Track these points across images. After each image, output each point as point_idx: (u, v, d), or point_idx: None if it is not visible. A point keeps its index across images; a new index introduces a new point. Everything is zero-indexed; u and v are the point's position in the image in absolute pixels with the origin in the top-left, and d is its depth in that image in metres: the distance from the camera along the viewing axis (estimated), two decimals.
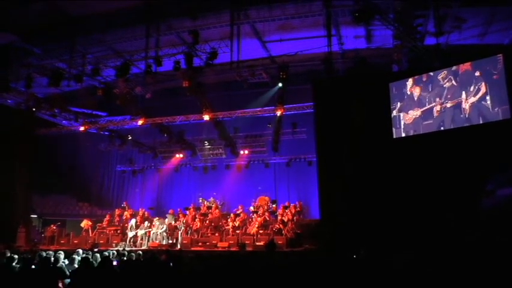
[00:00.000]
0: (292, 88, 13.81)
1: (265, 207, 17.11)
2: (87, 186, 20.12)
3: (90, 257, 7.04)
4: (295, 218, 16.12)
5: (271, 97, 14.88)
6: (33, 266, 6.28)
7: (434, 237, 8.73)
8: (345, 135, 13.59)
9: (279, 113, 15.65)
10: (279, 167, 19.56)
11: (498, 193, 8.76)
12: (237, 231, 15.73)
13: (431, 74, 12.00)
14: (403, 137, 12.45)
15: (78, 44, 13.56)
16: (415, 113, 12.39)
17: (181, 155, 20.92)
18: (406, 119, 12.59)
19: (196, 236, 16.36)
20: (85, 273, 5.48)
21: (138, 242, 16.39)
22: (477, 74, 11.22)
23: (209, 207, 17.93)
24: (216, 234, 15.97)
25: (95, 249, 11.93)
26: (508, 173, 9.26)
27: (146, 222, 16.80)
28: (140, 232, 16.44)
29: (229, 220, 16.49)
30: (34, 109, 15.78)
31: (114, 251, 9.59)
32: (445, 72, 11.81)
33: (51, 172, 17.71)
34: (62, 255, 7.41)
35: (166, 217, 16.99)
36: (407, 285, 5.00)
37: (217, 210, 17.52)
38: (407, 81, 12.28)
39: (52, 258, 6.57)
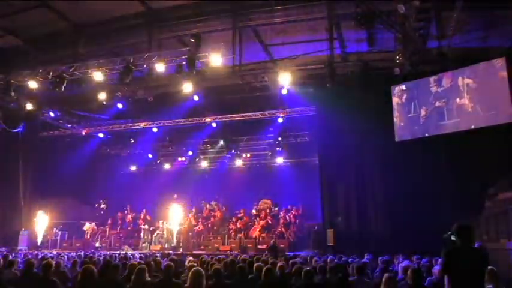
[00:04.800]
0: (294, 91, 13.80)
1: (268, 211, 17.10)
2: (90, 189, 20.14)
3: None
4: (297, 221, 16.11)
5: (273, 100, 14.88)
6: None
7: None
8: (347, 139, 13.59)
9: (281, 116, 15.65)
10: (281, 170, 19.53)
11: (500, 197, 8.73)
12: (239, 235, 15.72)
13: (432, 77, 12.02)
14: (406, 140, 12.41)
15: (80, 48, 13.61)
16: (416, 115, 12.38)
17: (183, 158, 20.94)
18: (408, 122, 12.56)
19: (198, 239, 16.37)
20: None
21: (140, 245, 16.41)
22: (475, 76, 11.25)
23: (211, 211, 17.95)
24: (219, 238, 15.97)
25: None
26: (509, 176, 9.22)
27: (146, 226, 16.84)
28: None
29: (231, 223, 16.51)
30: (37, 113, 15.82)
31: None
32: (445, 75, 11.83)
33: (54, 175, 17.74)
34: None
35: (168, 220, 17.02)
36: None
37: (219, 214, 17.53)
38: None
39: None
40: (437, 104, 11.89)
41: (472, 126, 11.08)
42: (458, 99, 11.46)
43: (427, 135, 12.04)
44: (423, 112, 12.21)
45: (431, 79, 12.02)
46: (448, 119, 11.66)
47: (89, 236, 17.64)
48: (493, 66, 10.84)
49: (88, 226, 17.80)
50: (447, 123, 11.66)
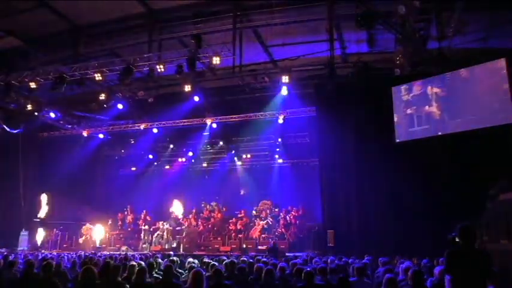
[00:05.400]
0: (294, 92, 13.82)
1: (268, 211, 17.10)
2: (90, 190, 20.13)
3: None
4: (297, 222, 16.10)
5: (274, 101, 14.89)
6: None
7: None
8: (347, 140, 13.58)
9: (281, 117, 15.65)
10: (282, 171, 19.53)
11: (500, 197, 8.71)
12: (240, 235, 15.71)
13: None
14: (406, 141, 12.43)
15: (81, 49, 13.62)
16: (414, 117, 12.48)
17: (183, 159, 20.94)
18: (407, 123, 12.59)
19: (198, 240, 16.35)
20: None
21: (140, 245, 16.40)
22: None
23: (211, 211, 17.93)
24: (219, 238, 15.95)
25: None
26: (509, 177, 9.20)
27: (146, 226, 16.82)
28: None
29: (231, 224, 16.50)
30: (37, 113, 15.82)
31: None
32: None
33: (54, 176, 17.74)
34: None
35: (169, 221, 17.02)
36: None
37: (219, 214, 17.52)
38: (409, 85, 12.30)
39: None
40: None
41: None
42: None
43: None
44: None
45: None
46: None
47: (85, 238, 17.58)
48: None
49: (88, 226, 17.76)
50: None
